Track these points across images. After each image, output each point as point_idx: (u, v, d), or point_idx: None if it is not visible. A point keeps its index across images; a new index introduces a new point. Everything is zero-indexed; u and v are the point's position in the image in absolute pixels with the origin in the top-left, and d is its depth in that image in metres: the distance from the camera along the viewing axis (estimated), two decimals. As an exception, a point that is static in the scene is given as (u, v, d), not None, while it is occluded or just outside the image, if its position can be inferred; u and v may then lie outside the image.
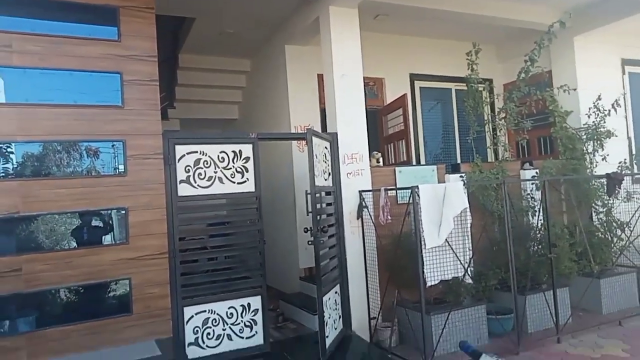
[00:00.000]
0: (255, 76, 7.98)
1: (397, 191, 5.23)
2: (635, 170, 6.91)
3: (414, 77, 7.76)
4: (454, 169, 5.71)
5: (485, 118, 6.34)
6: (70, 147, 3.96)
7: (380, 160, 5.82)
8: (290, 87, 6.57)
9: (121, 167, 4.11)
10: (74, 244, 3.88)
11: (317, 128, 6.46)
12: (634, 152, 6.78)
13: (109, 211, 4.04)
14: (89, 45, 4.06)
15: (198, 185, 4.37)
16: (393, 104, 7.10)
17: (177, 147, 4.35)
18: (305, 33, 6.16)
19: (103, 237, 4.03)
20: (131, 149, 4.11)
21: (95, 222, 4.06)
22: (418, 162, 7.48)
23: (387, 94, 7.53)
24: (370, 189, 5.19)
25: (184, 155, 4.35)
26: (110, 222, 4.08)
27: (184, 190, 4.31)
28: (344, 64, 5.30)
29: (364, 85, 7.10)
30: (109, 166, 4.08)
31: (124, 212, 4.03)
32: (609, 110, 6.10)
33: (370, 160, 5.42)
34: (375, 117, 7.50)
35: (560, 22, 5.83)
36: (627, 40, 7.25)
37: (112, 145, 4.14)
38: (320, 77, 6.20)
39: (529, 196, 5.68)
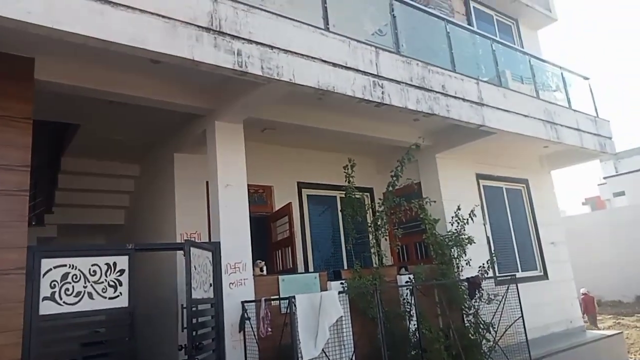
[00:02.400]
0: (144, 181, 7.91)
1: (280, 301, 5.28)
2: (497, 273, 7.72)
3: (301, 185, 8.23)
4: (336, 275, 5.96)
5: (369, 224, 6.85)
6: None
7: (264, 268, 5.90)
8: (177, 195, 6.59)
9: (-27, 285, 3.74)
10: None
11: (205, 236, 6.45)
12: (494, 256, 7.62)
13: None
14: (-48, 154, 3.85)
15: (64, 302, 4.06)
16: (280, 212, 7.40)
17: (44, 261, 4.08)
18: (194, 143, 6.38)
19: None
20: (-12, 265, 3.78)
21: None
22: (307, 268, 7.66)
23: (276, 201, 7.84)
24: (254, 299, 5.19)
25: (50, 270, 4.08)
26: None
27: (46, 308, 3.98)
28: (228, 175, 5.54)
29: (254, 193, 7.44)
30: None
31: (-32, 337, 3.59)
32: (467, 219, 6.93)
33: (253, 269, 5.49)
34: (264, 224, 7.70)
35: (415, 145, 6.73)
36: (480, 158, 8.50)
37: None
38: (208, 185, 6.34)
39: (404, 301, 6.05)
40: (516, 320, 6.28)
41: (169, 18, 4.01)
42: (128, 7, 3.79)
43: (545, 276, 9.03)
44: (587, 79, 9.66)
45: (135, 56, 4.01)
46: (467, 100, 6.53)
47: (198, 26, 4.17)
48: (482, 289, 6.37)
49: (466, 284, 6.45)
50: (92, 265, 4.27)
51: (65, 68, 4.63)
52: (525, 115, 7.39)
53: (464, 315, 6.67)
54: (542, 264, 9.12)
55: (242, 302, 5.10)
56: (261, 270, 5.82)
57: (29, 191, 4.18)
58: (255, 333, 4.96)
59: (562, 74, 9.06)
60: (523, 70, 8.45)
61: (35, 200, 6.85)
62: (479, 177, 8.55)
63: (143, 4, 3.87)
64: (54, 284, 4.06)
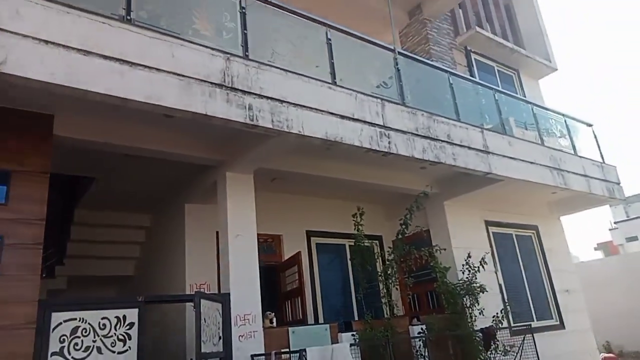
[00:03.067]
0: (155, 231, 7.96)
1: (290, 355, 5.17)
2: (511, 322, 7.52)
3: (310, 234, 8.22)
4: (347, 327, 5.85)
5: (379, 273, 6.78)
6: None
7: (274, 320, 5.82)
8: (187, 245, 6.62)
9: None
10: None
11: (214, 287, 6.41)
12: (507, 305, 7.46)
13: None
14: (-29, 209, 3.94)
15: (72, 357, 4.03)
16: (289, 261, 7.36)
17: (54, 315, 4.08)
18: (205, 193, 6.47)
19: None
20: (0, 319, 3.78)
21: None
22: (317, 319, 7.52)
23: (285, 250, 7.81)
24: (263, 352, 5.09)
25: (60, 324, 4.07)
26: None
27: (54, 364, 3.94)
28: (238, 225, 5.58)
29: (262, 242, 7.44)
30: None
31: (-23, 394, 3.54)
32: (478, 267, 6.85)
33: (263, 320, 5.41)
34: (274, 273, 7.65)
35: (423, 192, 6.77)
36: (488, 205, 8.49)
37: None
38: (218, 235, 6.36)
39: (417, 353, 5.89)
40: (534, 373, 6.07)
41: (184, 76, 4.20)
42: (146, 66, 3.98)
43: (561, 325, 8.77)
44: (590, 125, 9.80)
45: (150, 111, 4.17)
46: (473, 149, 6.63)
47: (211, 83, 4.35)
48: (497, 340, 6.20)
49: (480, 334, 6.28)
50: (102, 319, 4.26)
51: (83, 123, 4.80)
52: (532, 162, 7.46)
53: (480, 369, 6.45)
54: (558, 313, 8.88)
55: (252, 356, 5.00)
56: (271, 322, 5.74)
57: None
58: (265, 388, 4.84)
59: (565, 121, 9.20)
60: (526, 118, 8.60)
61: (46, 252, 6.90)
62: (488, 223, 8.51)
63: (160, 64, 4.07)
64: (63, 339, 4.04)
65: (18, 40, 3.47)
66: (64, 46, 3.65)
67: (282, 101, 4.82)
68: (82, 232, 7.57)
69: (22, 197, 4.17)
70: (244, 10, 5.03)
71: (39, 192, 4.29)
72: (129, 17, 4.13)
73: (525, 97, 10.90)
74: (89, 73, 3.71)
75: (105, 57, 3.81)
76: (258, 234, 5.83)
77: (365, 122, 5.50)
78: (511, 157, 7.13)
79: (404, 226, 6.52)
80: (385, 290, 6.50)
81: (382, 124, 5.68)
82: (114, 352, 4.20)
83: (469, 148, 6.57)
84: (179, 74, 4.18)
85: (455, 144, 6.42)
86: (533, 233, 9.34)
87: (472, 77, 9.90)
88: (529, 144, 7.79)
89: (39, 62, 3.52)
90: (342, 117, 5.30)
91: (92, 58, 3.75)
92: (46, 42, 3.58)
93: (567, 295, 9.15)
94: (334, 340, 5.65)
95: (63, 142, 4.70)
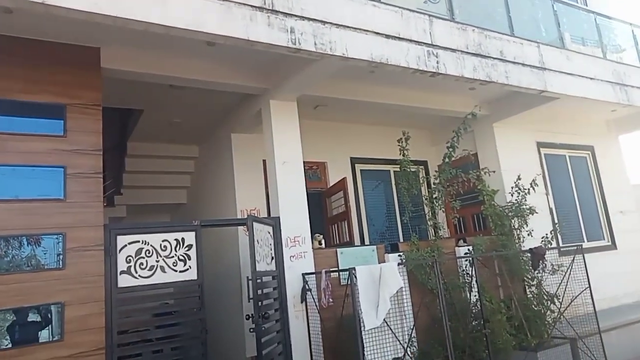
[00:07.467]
0: (203, 162, 8.21)
1: (339, 273, 5.40)
2: (561, 244, 7.45)
3: (354, 161, 8.23)
4: (393, 248, 5.99)
5: (424, 197, 6.78)
6: (7, 242, 3.92)
7: (323, 242, 6.03)
8: (236, 173, 6.81)
9: (60, 260, 4.08)
10: (6, 343, 3.74)
11: (263, 212, 6.65)
12: (557, 226, 7.35)
13: (45, 307, 3.95)
14: (35, 141, 4.18)
15: (139, 275, 4.38)
16: (335, 187, 7.47)
17: (119, 238, 4.40)
18: (250, 122, 6.53)
19: (37, 335, 3.90)
20: (71, 242, 4.11)
21: (30, 319, 3.94)
22: (363, 242, 7.73)
23: (330, 177, 7.91)
24: (314, 271, 5.33)
25: (125, 246, 4.39)
26: (46, 318, 3.97)
27: (124, 281, 4.31)
28: (284, 152, 5.65)
29: (308, 169, 7.54)
30: (47, 260, 4.05)
31: (60, 307, 3.95)
32: (528, 189, 6.70)
33: (312, 242, 5.62)
34: (319, 199, 7.82)
35: (472, 113, 6.52)
36: (540, 125, 8.12)
37: (52, 239, 4.13)
38: (265, 163, 6.49)
39: (464, 272, 5.99)
40: (583, 291, 6.06)
41: (224, 0, 4.08)
42: (185, -9, 3.90)
43: (613, 246, 8.61)
44: (660, 34, 8.92)
45: (192, 40, 4.14)
46: (527, 65, 6.23)
47: (252, 6, 4.22)
48: (546, 260, 6.18)
49: (528, 254, 6.28)
50: (163, 241, 4.55)
51: (128, 55, 4.86)
52: (592, 78, 6.96)
53: (526, 287, 6.53)
54: (610, 234, 8.68)
55: (303, 274, 5.26)
56: (320, 243, 5.95)
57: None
58: (316, 304, 5.12)
59: (632, 31, 8.41)
60: (587, 31, 7.91)
61: (105, 183, 7.31)
62: (540, 145, 8.18)
63: (199, -12, 3.96)
64: (129, 259, 4.37)
65: (59, -30, 3.45)
66: (104, -26, 3.60)
67: (324, 22, 4.63)
68: (136, 163, 7.93)
69: (78, 129, 4.36)
70: None
71: (94, 124, 4.46)
72: (164, -61, 3.98)
73: (586, 5, 9.97)
74: (131, 2, 3.68)
75: (145, -16, 3.75)
76: (303, 162, 5.89)
77: (412, 40, 5.23)
78: (569, 73, 6.66)
79: (451, 149, 6.39)
80: (430, 213, 6.53)
81: (429, 42, 5.40)
82: (175, 270, 4.53)
83: (523, 65, 6.18)
84: (218, -2, 4.07)
85: (509, 61, 6.05)
86: (588, 154, 8.93)
87: (527, -14, 9.08)
88: (589, 58, 7.23)
89: (82, -9, 3.51)
90: (388, 36, 5.06)
91: (132, -15, 3.70)
92: (86, -30, 3.55)
93: (621, 217, 8.88)
94: (381, 261, 5.82)
95: (111, 75, 4.79)
